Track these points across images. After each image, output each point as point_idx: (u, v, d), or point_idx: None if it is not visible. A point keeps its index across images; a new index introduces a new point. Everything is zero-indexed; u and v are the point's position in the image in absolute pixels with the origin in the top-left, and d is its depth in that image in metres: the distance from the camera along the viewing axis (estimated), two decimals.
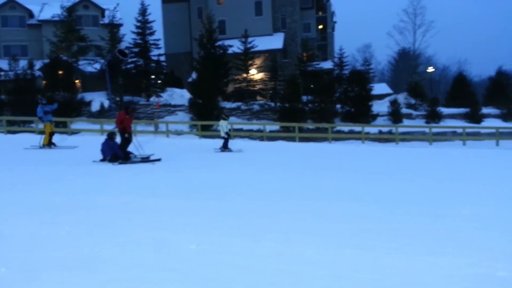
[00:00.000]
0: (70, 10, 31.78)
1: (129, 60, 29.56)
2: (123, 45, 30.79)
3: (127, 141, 11.49)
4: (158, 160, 11.24)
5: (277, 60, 33.26)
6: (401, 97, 29.99)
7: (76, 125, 24.75)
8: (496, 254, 3.98)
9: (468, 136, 23.75)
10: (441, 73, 65.53)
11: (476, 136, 24.52)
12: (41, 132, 15.74)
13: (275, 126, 26.76)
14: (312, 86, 29.76)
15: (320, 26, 43.71)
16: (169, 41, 40.67)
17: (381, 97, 35.11)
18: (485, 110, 28.25)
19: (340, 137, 24.64)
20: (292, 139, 23.64)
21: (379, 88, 41.39)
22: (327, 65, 36.99)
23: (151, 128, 25.62)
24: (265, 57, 34.39)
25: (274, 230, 4.61)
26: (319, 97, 28.32)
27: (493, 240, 4.52)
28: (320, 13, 43.85)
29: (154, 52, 31.69)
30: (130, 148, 11.61)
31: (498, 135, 23.31)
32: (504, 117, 27.93)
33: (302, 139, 23.77)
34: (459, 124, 25.99)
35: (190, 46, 39.57)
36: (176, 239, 4.21)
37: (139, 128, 24.11)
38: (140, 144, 12.02)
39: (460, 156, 15.57)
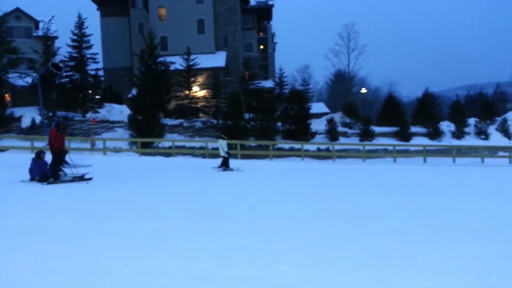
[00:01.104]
0: (1, 21, 29.93)
1: (64, 74, 28.29)
2: (57, 59, 29.45)
3: (58, 159, 10.96)
4: (90, 179, 10.81)
5: (219, 78, 33.50)
6: (337, 116, 31.38)
7: (4, 142, 23.11)
8: (420, 266, 4.25)
9: (398, 153, 25.34)
10: (374, 94, 69.56)
11: (405, 153, 26.20)
12: None
13: (218, 144, 26.77)
14: (254, 104, 30.26)
15: (261, 46, 44.87)
16: (108, 55, 39.57)
17: (319, 116, 36.48)
18: (413, 129, 30.24)
19: (281, 154, 25.18)
20: (234, 156, 23.76)
21: (317, 107, 43.03)
22: (268, 84, 37.88)
23: (87, 145, 24.59)
24: (208, 74, 34.52)
25: (210, 250, 4.61)
26: (260, 115, 28.83)
27: (417, 252, 4.82)
28: (261, 34, 45.07)
29: (92, 66, 30.63)
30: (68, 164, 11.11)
31: (425, 153, 25.12)
32: (431, 136, 30.08)
33: (244, 156, 23.99)
34: (390, 142, 27.63)
35: (130, 61, 38.74)
36: (109, 263, 4.07)
37: (74, 145, 23.04)
38: (73, 162, 11.51)
39: (391, 172, 16.56)
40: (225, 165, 15.54)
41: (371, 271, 4.06)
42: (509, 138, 31.70)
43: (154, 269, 3.94)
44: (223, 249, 4.71)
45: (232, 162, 19.35)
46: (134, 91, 31.02)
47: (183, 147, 25.88)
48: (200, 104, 31.88)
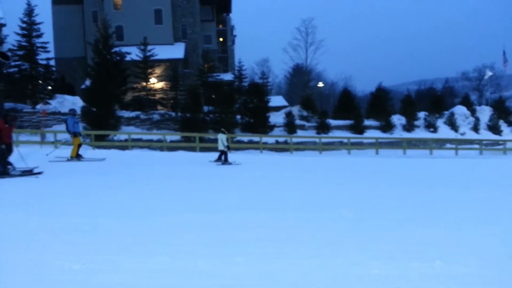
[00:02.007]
0: None
1: (12, 64, 26.76)
2: (5, 47, 27.80)
3: (5, 152, 10.42)
4: (41, 173, 10.38)
5: (178, 69, 32.94)
6: (295, 110, 31.79)
7: None
8: (370, 254, 4.44)
9: (352, 146, 26.13)
10: (330, 88, 71.06)
11: (359, 145, 27.06)
12: None
13: (176, 136, 26.43)
14: (213, 96, 30.05)
15: (221, 39, 44.56)
16: (60, 45, 37.83)
17: (278, 109, 36.82)
18: (367, 122, 31.20)
19: (240, 147, 25.24)
20: (193, 149, 23.58)
21: (276, 100, 43.42)
22: (228, 76, 37.71)
23: (37, 138, 23.48)
24: (166, 66, 33.85)
25: (166, 244, 4.57)
26: (220, 107, 28.68)
27: (367, 241, 5.01)
28: (220, 26, 44.72)
29: (42, 55, 29.16)
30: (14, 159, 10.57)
31: (377, 145, 26.06)
32: (383, 129, 31.18)
33: (203, 149, 23.85)
34: (345, 135, 28.42)
35: (84, 51, 37.27)
36: (58, 259, 3.95)
37: (22, 138, 21.95)
38: (22, 155, 10.98)
39: (345, 164, 17.06)
40: (224, 160, 15.54)
41: (324, 260, 4.19)
42: (456, 131, 33.41)
43: (105, 265, 3.86)
44: (178, 242, 4.68)
45: (189, 155, 19.20)
46: (87, 82, 29.88)
47: (140, 140, 25.32)
48: (158, 96, 31.23)
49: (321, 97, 52.56)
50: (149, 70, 30.64)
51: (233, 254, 4.29)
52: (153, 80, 31.37)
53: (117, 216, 6.01)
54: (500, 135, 34.65)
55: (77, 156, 14.45)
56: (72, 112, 15.15)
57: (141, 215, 6.13)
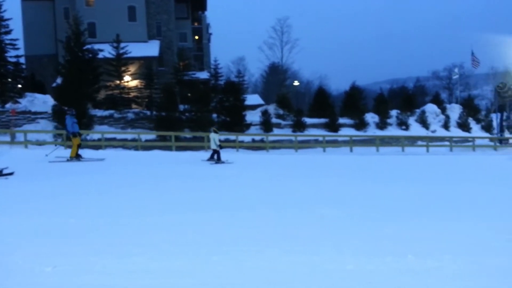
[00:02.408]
0: None
1: None
2: None
3: None
4: (11, 174, 10.06)
5: (152, 67, 32.49)
6: (271, 108, 31.90)
7: None
8: (345, 250, 4.52)
9: (327, 144, 26.46)
10: (306, 87, 71.74)
11: (334, 143, 27.42)
12: None
13: (151, 135, 26.08)
14: (189, 95, 29.80)
15: (196, 37, 44.21)
16: (30, 42, 36.65)
17: (254, 107, 36.85)
18: (341, 120, 31.62)
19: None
20: (168, 148, 23.33)
21: (252, 99, 43.47)
22: (203, 75, 37.47)
23: (7, 138, 22.72)
24: (140, 64, 33.32)
25: (142, 244, 4.52)
26: (195, 106, 28.46)
27: (342, 237, 5.10)
28: (196, 24, 44.36)
29: (11, 53, 28.19)
30: None
31: (351, 143, 26.47)
32: (357, 127, 31.68)
33: (179, 148, 23.64)
34: (320, 133, 28.73)
35: (55, 48, 36.27)
36: (28, 262, 3.84)
37: None
38: None
39: (321, 161, 17.25)
40: (217, 159, 15.59)
41: (300, 257, 4.23)
42: (427, 128, 34.28)
43: (78, 267, 3.78)
44: (154, 242, 4.63)
45: (165, 154, 19.00)
46: (59, 80, 29.08)
47: (113, 139, 24.85)
48: (132, 95, 30.70)
49: (296, 96, 52.98)
50: (123, 68, 30.09)
51: (209, 253, 4.28)
52: (127, 78, 30.83)
53: (87, 216, 5.91)
54: (469, 132, 35.77)
55: (76, 156, 14.28)
56: (71, 112, 14.96)
57: (114, 216, 6.03)
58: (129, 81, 31.09)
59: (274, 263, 4.06)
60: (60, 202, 6.99)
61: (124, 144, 24.25)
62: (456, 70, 48.56)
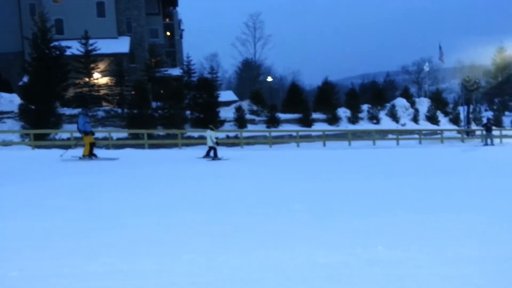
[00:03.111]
0: None
1: None
2: None
3: None
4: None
5: (123, 64, 31.87)
6: (245, 104, 31.87)
7: None
8: (317, 244, 4.59)
9: (301, 139, 26.71)
10: (279, 82, 72.12)
11: (308, 138, 27.70)
12: None
13: (123, 134, 25.60)
14: (161, 92, 29.40)
15: (168, 33, 43.62)
16: None
17: (228, 104, 36.76)
18: (314, 115, 31.94)
19: (190, 142, 24.94)
20: (141, 146, 22.98)
21: (226, 95, 43.35)
22: (176, 71, 37.04)
23: None
24: (110, 60, 32.64)
25: (110, 245, 4.46)
26: (168, 103, 28.11)
27: (313, 231, 5.17)
28: (167, 20, 43.74)
29: None
30: None
31: (325, 137, 26.82)
32: (330, 121, 32.08)
33: (152, 146, 23.33)
34: (294, 128, 28.93)
35: (21, 45, 35.09)
36: None
37: None
38: None
39: (294, 156, 17.40)
40: (213, 155, 15.76)
41: (271, 253, 4.27)
42: (397, 122, 35.06)
43: (46, 270, 3.70)
44: (124, 243, 4.58)
45: (137, 153, 18.72)
46: (25, 79, 28.11)
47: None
48: (102, 92, 30.03)
49: (270, 92, 53.17)
50: (92, 65, 29.38)
51: (180, 251, 4.26)
52: (96, 75, 30.14)
53: (54, 217, 5.77)
54: (437, 125, 36.81)
55: (89, 155, 14.33)
56: (84, 111, 15.07)
57: (84, 218, 5.90)
58: (99, 78, 30.41)
59: (244, 259, 4.08)
60: (32, 205, 6.78)
61: (95, 143, 23.69)
62: (426, 64, 49.92)
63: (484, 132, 26.04)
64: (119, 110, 28.01)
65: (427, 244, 4.60)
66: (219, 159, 15.69)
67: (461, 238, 4.89)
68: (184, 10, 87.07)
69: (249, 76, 59.38)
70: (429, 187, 8.85)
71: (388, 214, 6.16)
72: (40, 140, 22.26)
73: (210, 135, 16.19)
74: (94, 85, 29.63)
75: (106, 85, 30.52)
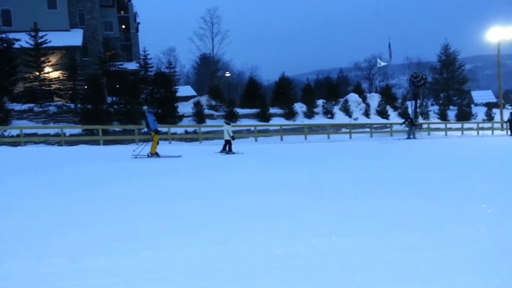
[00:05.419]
0: None
1: None
2: None
3: None
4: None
5: (76, 58, 30.71)
6: (204, 99, 31.71)
7: None
8: (274, 235, 4.70)
9: (259, 133, 27.03)
10: (237, 78, 72.19)
11: (265, 133, 28.06)
12: None
13: (77, 130, 24.77)
14: (117, 86, 28.64)
15: (123, 26, 42.43)
16: None
17: (186, 99, 36.43)
18: (272, 110, 32.32)
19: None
20: (96, 142, 22.38)
21: (184, 90, 42.90)
22: (132, 66, 36.17)
23: None
24: (62, 54, 31.34)
25: (61, 245, 4.35)
26: (124, 98, 27.46)
27: (272, 223, 5.27)
28: (122, 13, 42.52)
29: None
30: None
31: (282, 132, 27.31)
32: (287, 116, 32.59)
33: (108, 142, 22.77)
34: (252, 123, 29.18)
35: None
36: None
37: None
38: None
39: (252, 150, 17.65)
40: (228, 149, 16.24)
41: (228, 246, 4.34)
42: (350, 116, 36.12)
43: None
44: (76, 242, 4.45)
45: (91, 149, 18.26)
46: None
47: (34, 134, 23.26)
48: (54, 87, 28.81)
49: (229, 87, 53.06)
50: (43, 59, 28.10)
51: (138, 249, 4.21)
52: (47, 69, 28.87)
53: (9, 219, 5.57)
54: (387, 119, 38.24)
55: (156, 153, 14.67)
56: (152, 110, 14.62)
57: (34, 217, 5.71)
58: (50, 72, 29.15)
59: (202, 253, 4.11)
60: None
61: (46, 140, 22.82)
62: (379, 60, 51.76)
63: (407, 126, 27.76)
64: (72, 105, 27.04)
65: (380, 232, 4.83)
66: (234, 153, 16.16)
67: (413, 225, 5.16)
68: (140, 2, 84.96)
69: (208, 71, 58.91)
70: (381, 178, 9.27)
71: (341, 203, 6.39)
72: None
73: (227, 129, 16.58)
74: (45, 79, 28.39)
75: (58, 79, 29.32)
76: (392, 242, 4.53)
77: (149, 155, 14.66)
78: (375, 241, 4.53)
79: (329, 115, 34.84)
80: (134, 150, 15.14)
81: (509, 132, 30.13)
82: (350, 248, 4.32)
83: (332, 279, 3.57)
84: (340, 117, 35.02)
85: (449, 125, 35.61)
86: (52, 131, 23.89)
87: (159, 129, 15.63)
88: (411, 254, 4.13)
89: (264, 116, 31.24)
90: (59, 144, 22.27)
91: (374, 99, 40.73)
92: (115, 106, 27.31)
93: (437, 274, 3.66)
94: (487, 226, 5.10)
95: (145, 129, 16.34)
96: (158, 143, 15.14)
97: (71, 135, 23.88)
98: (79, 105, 26.59)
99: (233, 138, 16.73)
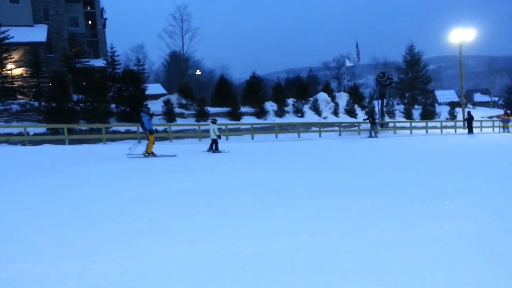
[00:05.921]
0: None
1: None
2: None
3: None
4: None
5: (40, 54, 29.63)
6: (174, 98, 31.28)
7: None
8: (244, 235, 4.72)
9: (230, 132, 26.97)
10: (208, 76, 71.74)
11: (237, 131, 28.02)
12: None
13: (41, 129, 23.93)
14: (84, 84, 27.83)
15: (90, 22, 41.32)
16: None
17: (156, 97, 35.82)
18: (243, 109, 32.27)
19: (116, 137, 24.03)
20: (61, 142, 21.71)
21: (154, 88, 42.16)
22: (99, 63, 35.28)
23: None
24: (25, 50, 30.17)
25: (23, 250, 4.21)
26: (91, 96, 26.73)
27: (241, 223, 5.30)
28: (88, 8, 41.39)
29: None
30: None
31: (253, 130, 27.36)
32: (258, 115, 32.64)
33: (74, 142, 22.14)
34: (223, 122, 29.01)
35: None
36: None
37: None
38: None
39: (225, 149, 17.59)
40: (215, 148, 16.25)
41: (198, 246, 4.32)
42: (319, 115, 36.57)
43: None
44: (38, 246, 4.34)
45: (57, 149, 17.73)
46: None
47: None
48: (16, 84, 27.70)
49: (199, 85, 52.74)
50: (4, 55, 26.96)
51: (104, 251, 4.14)
52: (10, 66, 27.73)
53: None
54: (355, 117, 39.02)
55: (152, 153, 14.53)
56: (147, 109, 14.87)
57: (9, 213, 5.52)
58: (13, 69, 28.02)
59: (171, 254, 4.09)
60: None
61: (8, 139, 21.94)
62: (347, 60, 52.70)
63: (369, 126, 28.55)
64: (36, 103, 26.08)
65: (346, 229, 4.94)
66: (220, 152, 16.10)
67: (379, 221, 5.30)
68: None
69: (178, 69, 58.17)
70: (349, 176, 9.48)
71: (310, 203, 6.47)
72: None
73: (213, 128, 16.49)
74: (7, 76, 27.26)
75: (20, 76, 28.22)
76: (360, 239, 4.64)
77: (145, 154, 14.51)
78: (343, 238, 4.63)
79: (300, 114, 35.17)
80: (130, 148, 14.99)
81: (467, 130, 31.39)
82: (318, 245, 4.39)
83: (301, 276, 3.62)
84: (310, 116, 35.41)
85: (414, 124, 36.68)
86: (15, 130, 23.00)
87: (154, 128, 15.30)
88: (378, 251, 4.24)
89: (235, 115, 31.19)
90: (23, 143, 21.48)
91: (343, 98, 41.43)
92: (81, 104, 26.56)
93: (404, 269, 3.77)
94: (450, 222, 5.30)
95: (140, 129, 16.29)
96: (154, 143, 14.94)
97: (35, 134, 23.08)
98: (43, 103, 25.68)
99: (219, 137, 16.71)
